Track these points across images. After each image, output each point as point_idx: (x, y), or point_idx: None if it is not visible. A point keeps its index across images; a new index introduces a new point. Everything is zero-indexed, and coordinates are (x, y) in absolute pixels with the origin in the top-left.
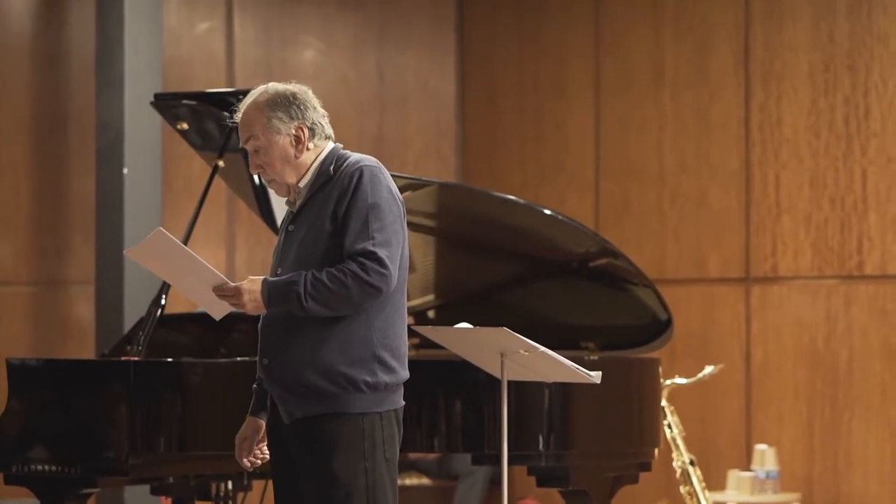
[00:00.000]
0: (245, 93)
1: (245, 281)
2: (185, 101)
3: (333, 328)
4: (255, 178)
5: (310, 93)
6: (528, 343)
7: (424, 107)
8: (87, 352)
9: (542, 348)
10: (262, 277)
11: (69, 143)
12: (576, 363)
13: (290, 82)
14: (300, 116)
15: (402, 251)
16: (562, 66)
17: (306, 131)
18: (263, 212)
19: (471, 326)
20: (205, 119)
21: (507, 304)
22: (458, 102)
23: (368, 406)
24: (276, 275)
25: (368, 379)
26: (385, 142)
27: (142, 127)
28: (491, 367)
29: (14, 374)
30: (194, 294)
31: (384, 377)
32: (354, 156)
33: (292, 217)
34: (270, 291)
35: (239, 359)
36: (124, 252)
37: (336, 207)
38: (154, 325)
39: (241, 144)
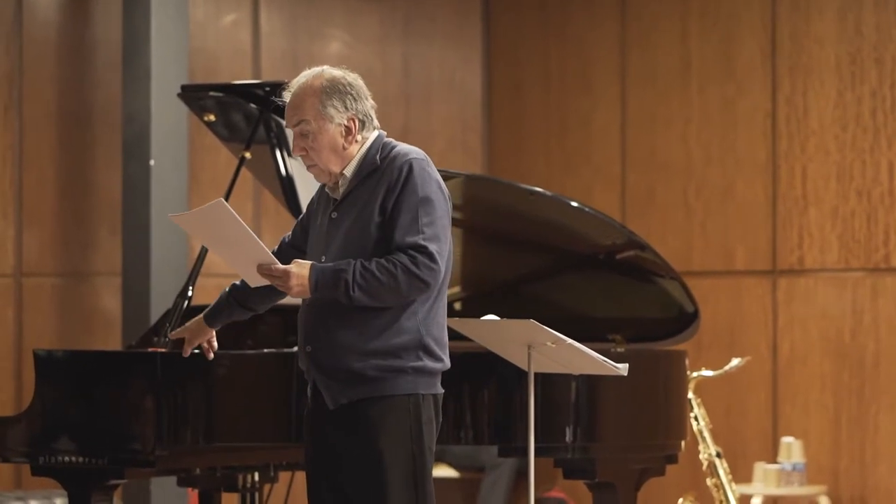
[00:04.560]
0: (271, 84)
1: (293, 264)
2: (211, 93)
3: (379, 317)
4: (283, 170)
5: (361, 81)
6: (555, 335)
7: (450, 100)
8: (114, 343)
9: (570, 340)
10: (310, 262)
11: (95, 136)
12: (603, 355)
13: (344, 69)
14: (353, 107)
15: (448, 246)
16: (588, 59)
17: (357, 123)
18: (290, 204)
19: (498, 318)
20: (232, 111)
21: (533, 296)
22: (483, 95)
23: (412, 388)
24: (322, 262)
25: (414, 364)
26: (411, 135)
27: (168, 119)
28: (518, 360)
29: (41, 365)
30: (235, 263)
31: (430, 363)
32: (401, 146)
33: (335, 204)
34: (318, 277)
35: (266, 350)
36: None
37: (385, 199)
38: (181, 317)
39: (287, 125)
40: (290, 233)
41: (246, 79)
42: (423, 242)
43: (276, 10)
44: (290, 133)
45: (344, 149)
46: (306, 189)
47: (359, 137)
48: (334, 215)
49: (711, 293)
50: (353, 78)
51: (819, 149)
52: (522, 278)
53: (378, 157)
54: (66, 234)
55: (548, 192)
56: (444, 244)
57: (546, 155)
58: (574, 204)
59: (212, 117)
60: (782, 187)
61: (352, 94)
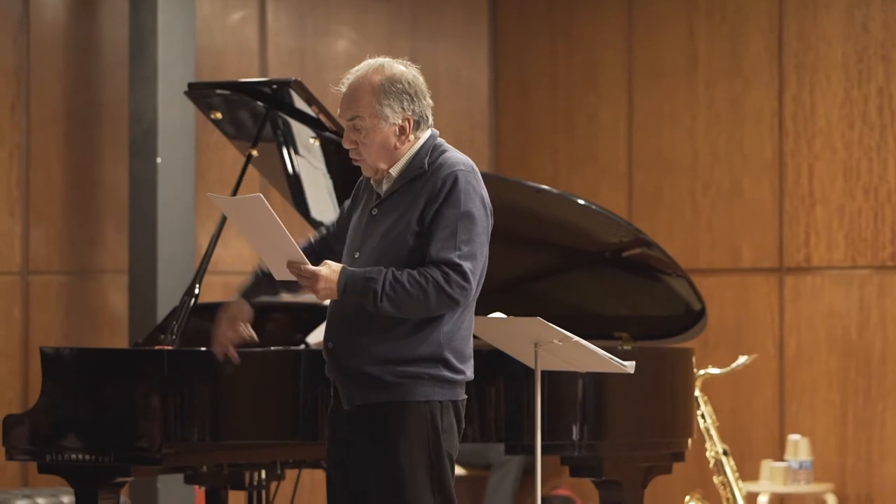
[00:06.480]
0: (278, 82)
1: (324, 266)
2: (218, 91)
3: (403, 324)
4: (290, 168)
5: (422, 79)
6: (562, 333)
7: (457, 97)
8: (121, 341)
9: (576, 338)
10: (340, 266)
11: (102, 133)
12: (609, 353)
13: (406, 64)
14: (410, 108)
15: (483, 263)
16: (594, 57)
17: (412, 123)
18: (297, 202)
19: (505, 316)
20: (238, 108)
21: (540, 294)
22: (490, 93)
23: (430, 394)
24: (354, 259)
25: (431, 371)
26: None
27: (175, 117)
28: (525, 357)
29: (48, 363)
30: (264, 254)
31: (448, 374)
32: (450, 154)
33: (377, 201)
34: (347, 283)
35: (272, 348)
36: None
37: (425, 209)
38: (187, 315)
39: (339, 116)
40: (330, 225)
41: (253, 76)
42: (457, 260)
43: (283, 7)
44: (300, 134)
45: (395, 148)
46: (313, 188)
47: (411, 137)
48: (375, 212)
49: (718, 291)
50: (413, 76)
51: (826, 146)
52: (529, 276)
53: (426, 160)
54: (72, 232)
55: (554, 190)
56: (478, 262)
57: (552, 152)
58: (581, 202)
59: (218, 115)
60: (789, 185)
61: (409, 95)
